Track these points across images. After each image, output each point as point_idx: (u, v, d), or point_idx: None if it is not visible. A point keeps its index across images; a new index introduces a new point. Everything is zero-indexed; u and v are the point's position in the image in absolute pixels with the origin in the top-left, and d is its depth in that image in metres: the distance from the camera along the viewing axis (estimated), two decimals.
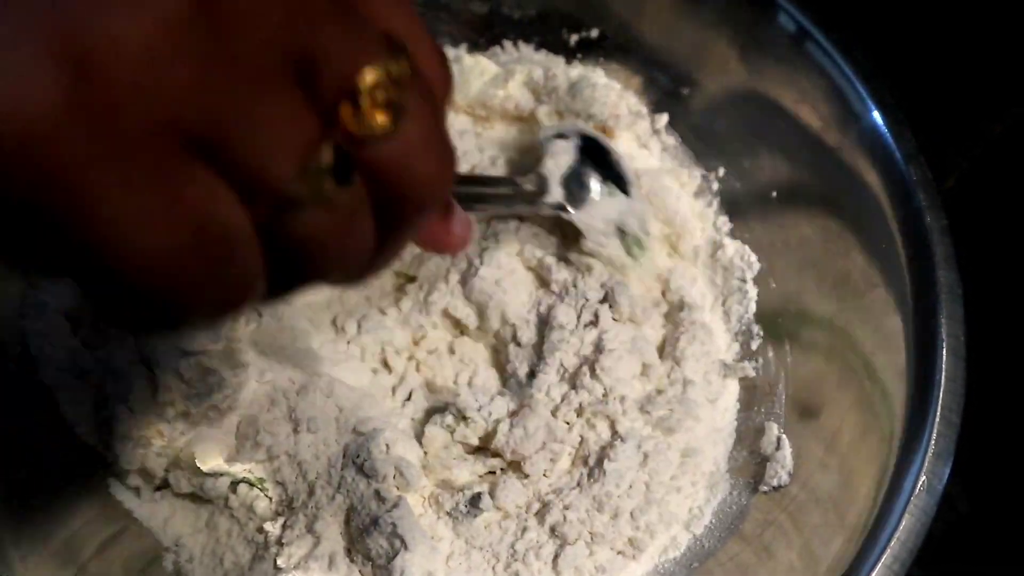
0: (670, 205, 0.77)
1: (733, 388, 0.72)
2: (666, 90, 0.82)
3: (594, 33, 0.83)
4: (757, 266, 0.76)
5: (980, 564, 0.79)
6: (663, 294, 0.75)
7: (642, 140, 0.83)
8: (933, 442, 0.59)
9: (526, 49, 0.84)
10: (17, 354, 0.63)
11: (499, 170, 0.77)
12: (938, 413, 0.60)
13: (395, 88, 0.27)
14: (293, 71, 0.24)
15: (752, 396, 0.72)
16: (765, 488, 0.66)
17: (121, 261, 0.23)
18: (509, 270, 0.70)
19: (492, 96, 0.79)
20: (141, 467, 0.62)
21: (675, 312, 0.73)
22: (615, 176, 0.72)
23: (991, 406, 0.70)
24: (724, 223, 0.79)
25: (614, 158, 0.73)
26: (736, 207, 0.79)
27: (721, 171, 0.80)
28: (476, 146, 0.78)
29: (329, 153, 0.26)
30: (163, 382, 0.61)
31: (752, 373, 0.72)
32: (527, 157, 0.76)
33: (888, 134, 0.69)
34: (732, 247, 0.77)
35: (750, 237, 0.78)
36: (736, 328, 0.75)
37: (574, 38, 0.84)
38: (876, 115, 0.69)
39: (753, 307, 0.75)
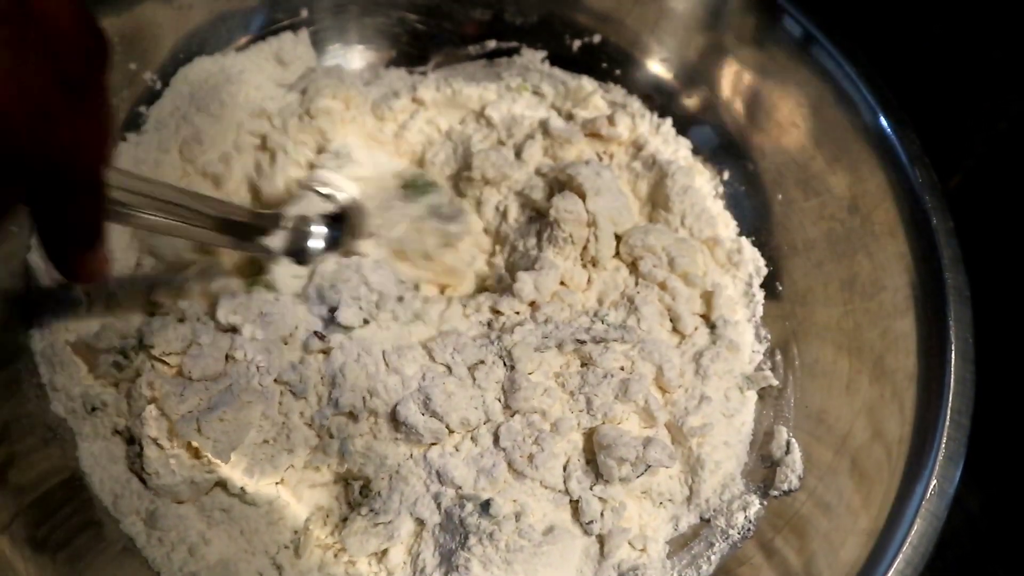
0: (708, 207, 0.77)
1: (751, 404, 0.72)
2: (671, 95, 0.82)
3: (596, 39, 0.83)
4: (764, 270, 0.76)
5: (990, 565, 0.79)
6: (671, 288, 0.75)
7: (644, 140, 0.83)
8: (943, 446, 0.59)
9: (531, 58, 0.85)
10: (35, 384, 0.64)
11: None
12: (948, 416, 0.60)
13: None
14: None
15: (761, 400, 0.72)
16: (775, 493, 0.66)
17: None
18: None
19: None
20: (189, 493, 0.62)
21: (709, 324, 0.73)
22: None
23: (998, 406, 0.70)
24: (733, 227, 0.79)
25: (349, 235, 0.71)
26: (741, 210, 0.80)
27: (726, 175, 0.80)
28: None
29: None
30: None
31: (775, 382, 0.72)
32: None
33: (893, 137, 0.69)
34: (746, 250, 0.77)
35: (755, 240, 0.78)
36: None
37: (576, 44, 0.84)
38: (882, 119, 0.69)
39: (760, 311, 0.75)
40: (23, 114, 0.32)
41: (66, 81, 0.34)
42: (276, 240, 0.66)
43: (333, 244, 0.70)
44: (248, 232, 0.64)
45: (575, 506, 0.64)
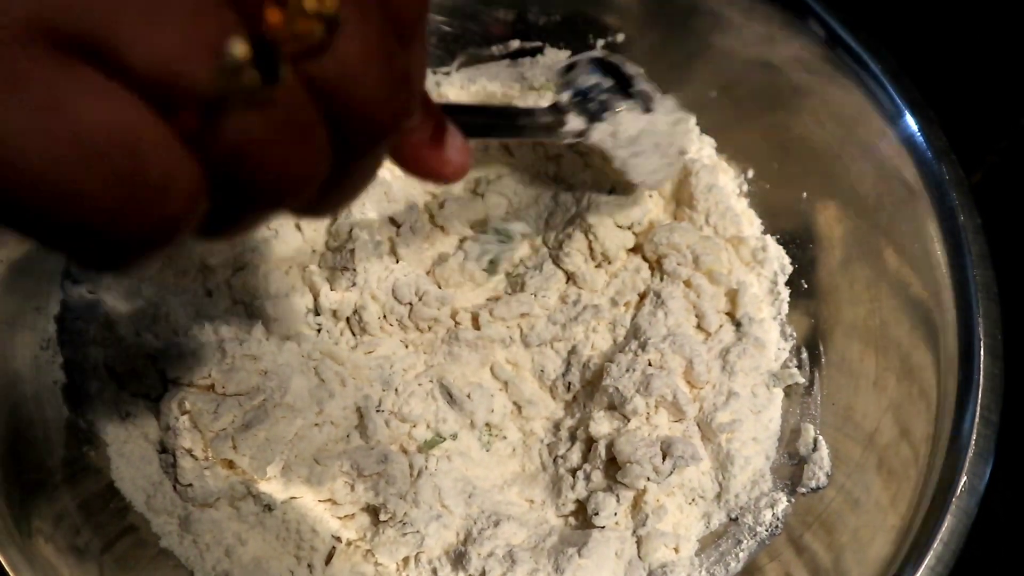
0: (733, 205, 0.77)
1: (778, 400, 0.72)
2: (695, 93, 0.82)
3: (620, 38, 0.83)
4: (789, 268, 0.76)
5: (1015, 565, 0.79)
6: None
7: None
8: (973, 442, 0.59)
9: (555, 58, 0.84)
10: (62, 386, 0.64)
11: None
12: (977, 413, 0.60)
13: None
14: None
15: (788, 397, 0.72)
16: (803, 490, 0.66)
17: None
18: None
19: None
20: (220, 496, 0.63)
21: (735, 322, 0.73)
22: (637, 94, 0.68)
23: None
24: (758, 225, 0.79)
25: (631, 76, 0.69)
26: (766, 208, 0.80)
27: (751, 172, 0.81)
28: None
29: (243, 45, 0.22)
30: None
31: (802, 380, 0.72)
32: None
33: (920, 134, 0.69)
34: (771, 248, 0.77)
35: (781, 239, 0.78)
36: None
37: (600, 43, 0.84)
38: (908, 117, 0.69)
39: (786, 308, 0.75)
40: (373, 79, 0.27)
41: (400, 33, 0.29)
42: (573, 121, 0.65)
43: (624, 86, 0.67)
44: (548, 128, 0.65)
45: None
